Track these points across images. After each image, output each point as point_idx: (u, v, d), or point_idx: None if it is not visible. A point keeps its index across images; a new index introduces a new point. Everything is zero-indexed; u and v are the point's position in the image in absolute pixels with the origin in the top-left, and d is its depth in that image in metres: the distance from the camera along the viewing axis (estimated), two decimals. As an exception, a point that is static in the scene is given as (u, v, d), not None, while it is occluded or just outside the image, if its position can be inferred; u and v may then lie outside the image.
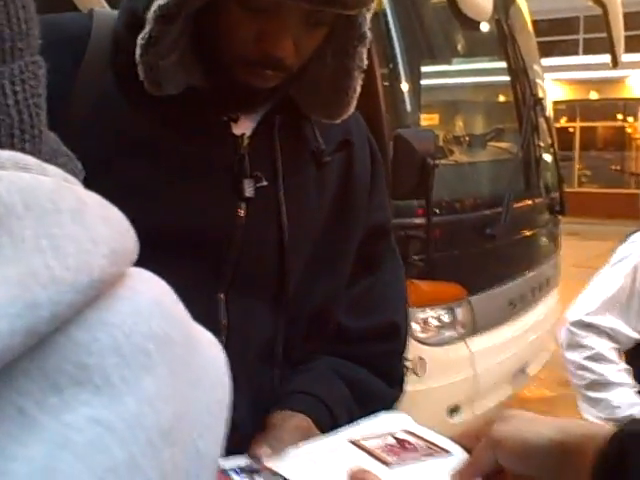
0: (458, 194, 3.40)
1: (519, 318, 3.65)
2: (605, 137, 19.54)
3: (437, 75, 3.93)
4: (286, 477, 0.71)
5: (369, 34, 0.88)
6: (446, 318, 3.15)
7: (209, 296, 0.89)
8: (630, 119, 18.34)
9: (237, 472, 0.78)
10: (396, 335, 1.06)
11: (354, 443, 0.79)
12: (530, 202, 3.81)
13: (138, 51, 0.79)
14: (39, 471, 0.23)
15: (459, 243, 3.29)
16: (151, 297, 0.29)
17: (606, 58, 5.12)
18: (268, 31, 0.80)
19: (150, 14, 0.77)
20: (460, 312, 3.18)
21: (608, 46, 4.94)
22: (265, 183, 0.90)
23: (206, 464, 0.29)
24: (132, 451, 0.25)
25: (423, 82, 3.22)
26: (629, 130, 18.81)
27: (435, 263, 2.96)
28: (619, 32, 4.93)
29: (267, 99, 0.90)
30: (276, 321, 0.94)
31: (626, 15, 5.16)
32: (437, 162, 2.83)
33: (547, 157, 4.26)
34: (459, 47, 3.92)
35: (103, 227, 0.28)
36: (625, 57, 5.32)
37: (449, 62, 4.07)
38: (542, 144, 4.03)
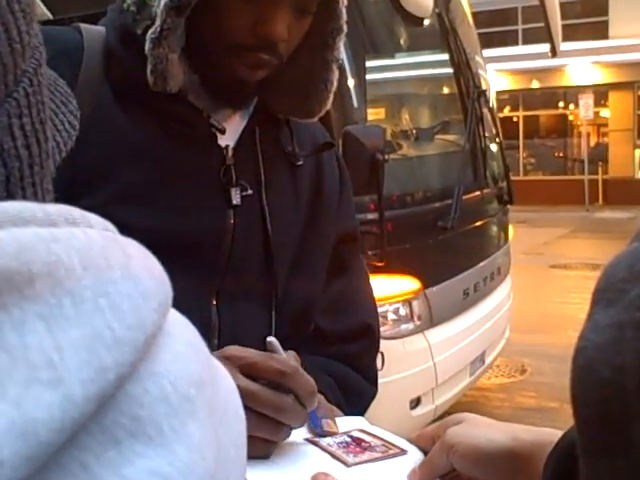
0: (408, 188, 3.43)
1: (474, 307, 3.70)
2: (548, 125, 19.87)
3: (382, 70, 3.95)
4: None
5: (345, 27, 0.93)
6: (403, 311, 3.17)
7: (200, 301, 0.91)
8: (571, 106, 18.69)
9: None
10: (370, 335, 1.09)
11: (311, 441, 0.79)
12: (479, 193, 3.86)
13: (149, 45, 0.83)
14: None
15: (412, 236, 3.32)
16: (185, 339, 0.29)
17: (545, 47, 5.20)
18: (265, 16, 0.85)
19: (161, 7, 0.82)
20: (416, 305, 3.21)
21: (546, 36, 5.02)
22: (250, 192, 0.94)
23: None
24: None
25: (369, 78, 3.23)
26: (570, 117, 19.18)
27: (389, 257, 2.98)
28: (556, 22, 5.02)
29: (251, 97, 0.95)
30: (268, 324, 0.97)
31: (562, 5, 5.26)
32: (386, 157, 2.85)
33: (493, 148, 4.32)
34: (402, 42, 3.95)
35: (149, 279, 0.28)
36: (563, 46, 5.42)
37: (393, 57, 4.10)
38: (488, 135, 4.09)
